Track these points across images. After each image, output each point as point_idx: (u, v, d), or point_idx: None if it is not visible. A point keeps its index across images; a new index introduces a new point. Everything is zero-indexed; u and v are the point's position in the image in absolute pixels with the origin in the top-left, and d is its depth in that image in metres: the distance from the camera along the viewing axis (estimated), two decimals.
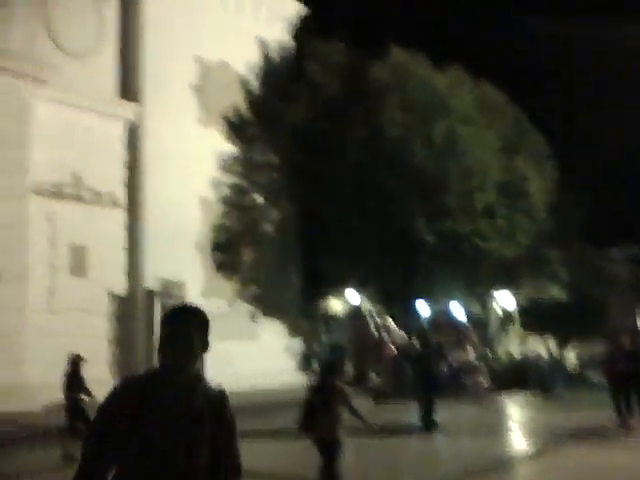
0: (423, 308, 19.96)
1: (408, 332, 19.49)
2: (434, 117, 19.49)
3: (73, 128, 17.17)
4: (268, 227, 20.54)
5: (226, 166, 20.11)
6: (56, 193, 16.99)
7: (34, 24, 17.31)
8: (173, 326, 2.34)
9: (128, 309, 17.45)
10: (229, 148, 20.31)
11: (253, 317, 19.67)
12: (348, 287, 21.63)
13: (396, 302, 20.70)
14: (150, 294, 17.20)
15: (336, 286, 21.51)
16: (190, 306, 2.47)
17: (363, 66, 20.48)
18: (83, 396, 10.37)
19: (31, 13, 17.22)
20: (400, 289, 19.64)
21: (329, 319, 22.18)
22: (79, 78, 17.73)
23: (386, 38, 20.49)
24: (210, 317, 2.39)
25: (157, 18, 19.43)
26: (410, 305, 20.03)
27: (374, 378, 18.32)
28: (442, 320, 20.18)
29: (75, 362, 10.74)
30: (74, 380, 10.53)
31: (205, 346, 2.37)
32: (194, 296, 18.26)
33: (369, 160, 18.88)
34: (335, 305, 21.57)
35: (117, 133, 18.53)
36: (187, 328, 2.32)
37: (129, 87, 19.08)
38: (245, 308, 19.59)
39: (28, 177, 15.88)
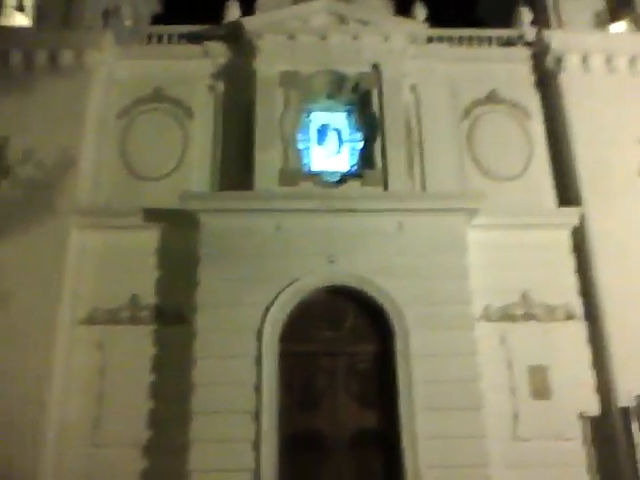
0: None
1: None
2: None
3: (509, 248, 16.88)
4: None
5: None
6: (505, 315, 16.59)
7: (465, 164, 18.46)
8: None
9: (603, 431, 14.94)
10: None
11: None
12: None
13: None
14: (625, 413, 14.47)
15: None
16: None
17: None
18: None
19: (457, 154, 18.45)
20: None
21: None
22: (508, 199, 17.73)
23: None
24: None
25: (583, 107, 18.33)
26: None
27: None
28: None
29: None
30: None
31: None
32: None
33: None
34: None
35: (561, 242, 17.31)
36: None
37: (566, 193, 18.01)
38: None
39: (471, 305, 16.00)
